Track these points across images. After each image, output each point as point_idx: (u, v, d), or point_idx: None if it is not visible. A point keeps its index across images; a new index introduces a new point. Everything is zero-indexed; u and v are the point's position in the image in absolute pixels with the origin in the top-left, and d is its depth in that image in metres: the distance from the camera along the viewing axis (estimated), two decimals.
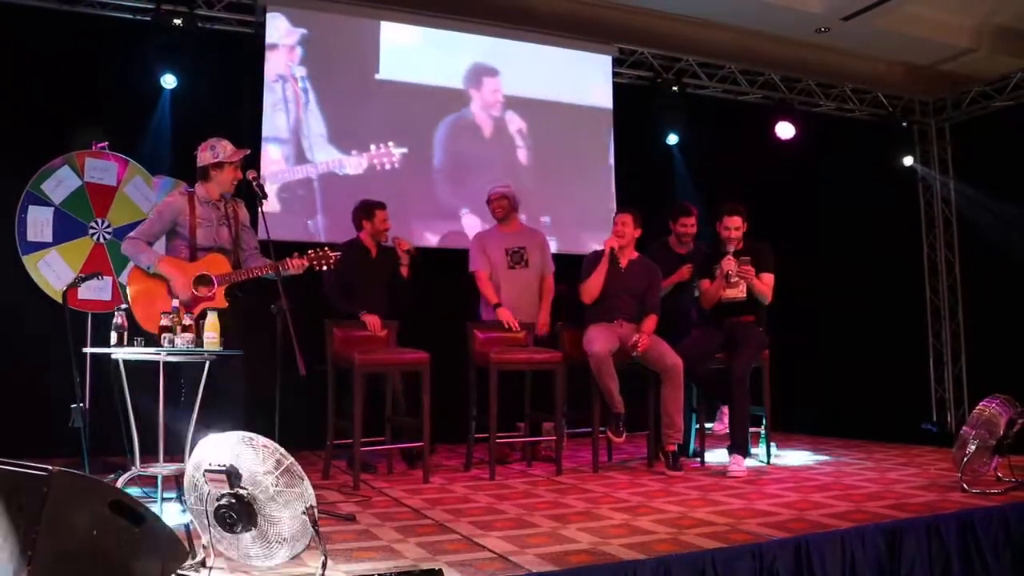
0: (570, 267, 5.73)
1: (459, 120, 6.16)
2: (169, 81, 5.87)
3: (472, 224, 5.89)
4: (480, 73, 6.62)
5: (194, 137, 4.45)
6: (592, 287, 5.18)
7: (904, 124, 8.67)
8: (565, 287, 5.68)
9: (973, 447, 4.18)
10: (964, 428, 4.29)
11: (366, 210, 5.34)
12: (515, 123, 6.60)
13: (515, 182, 6.09)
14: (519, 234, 5.70)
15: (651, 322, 5.13)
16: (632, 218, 5.27)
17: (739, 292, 5.17)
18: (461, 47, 6.77)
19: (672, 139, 7.70)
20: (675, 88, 7.55)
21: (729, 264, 5.11)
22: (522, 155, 6.81)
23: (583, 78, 7.32)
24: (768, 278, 5.20)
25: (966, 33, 7.50)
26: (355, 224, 5.38)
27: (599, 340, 4.97)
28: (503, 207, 5.64)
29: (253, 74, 6.17)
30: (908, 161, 8.67)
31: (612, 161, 7.36)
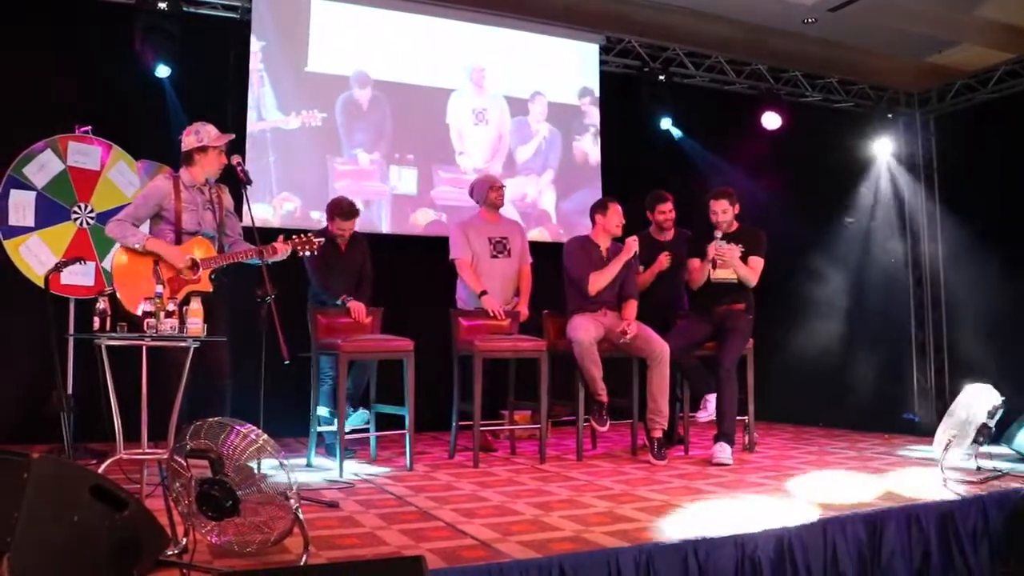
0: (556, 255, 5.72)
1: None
2: (157, 67, 5.80)
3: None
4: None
5: (180, 121, 4.42)
6: (605, 281, 5.14)
7: (889, 116, 8.70)
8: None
9: (953, 437, 4.23)
10: (945, 418, 4.33)
11: (329, 212, 5.33)
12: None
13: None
14: (501, 223, 5.69)
15: (631, 307, 5.15)
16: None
17: (729, 272, 5.21)
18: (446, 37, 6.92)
19: (665, 123, 7.66)
20: (662, 77, 7.56)
21: (712, 249, 5.15)
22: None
23: (567, 67, 7.36)
24: (755, 261, 5.24)
25: (951, 26, 7.51)
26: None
27: (583, 328, 4.98)
28: (503, 197, 5.67)
29: (239, 58, 6.15)
30: (885, 154, 8.71)
31: (599, 150, 7.37)
